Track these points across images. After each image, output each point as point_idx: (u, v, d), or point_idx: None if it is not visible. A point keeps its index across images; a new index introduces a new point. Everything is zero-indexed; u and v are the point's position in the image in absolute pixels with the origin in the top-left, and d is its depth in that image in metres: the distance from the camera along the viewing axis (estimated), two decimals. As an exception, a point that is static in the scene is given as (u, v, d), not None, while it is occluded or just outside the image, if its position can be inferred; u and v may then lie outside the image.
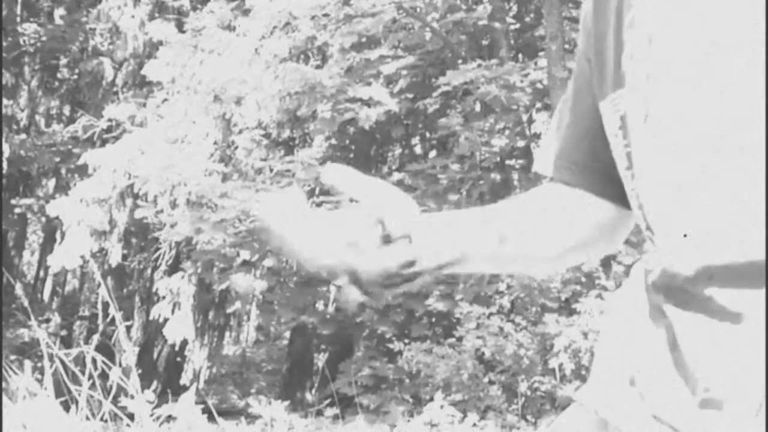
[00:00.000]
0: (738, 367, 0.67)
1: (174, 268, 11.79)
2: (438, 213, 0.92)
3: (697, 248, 0.70)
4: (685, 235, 0.72)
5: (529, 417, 8.09)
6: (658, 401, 0.75)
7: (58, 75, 15.54)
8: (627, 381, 0.79)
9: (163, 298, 11.11)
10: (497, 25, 10.43)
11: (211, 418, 4.86)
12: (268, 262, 10.59)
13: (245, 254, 10.45)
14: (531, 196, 0.97)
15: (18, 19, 14.08)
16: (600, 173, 0.89)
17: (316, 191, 10.85)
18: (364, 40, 10.49)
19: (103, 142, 12.13)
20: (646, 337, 0.78)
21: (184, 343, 11.35)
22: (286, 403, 6.15)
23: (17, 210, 14.39)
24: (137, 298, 14.08)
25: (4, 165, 13.36)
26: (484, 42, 11.56)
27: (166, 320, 10.89)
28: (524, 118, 10.57)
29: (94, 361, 3.95)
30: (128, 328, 8.78)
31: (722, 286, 0.68)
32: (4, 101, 13.72)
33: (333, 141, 12.39)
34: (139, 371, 4.10)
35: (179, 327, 10.85)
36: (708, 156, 0.70)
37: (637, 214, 0.81)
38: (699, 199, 0.70)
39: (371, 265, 0.79)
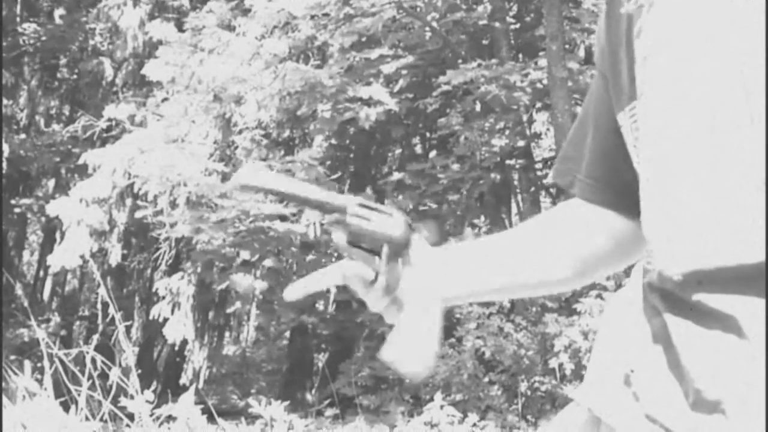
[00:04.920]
0: (730, 371, 0.67)
1: (174, 268, 11.79)
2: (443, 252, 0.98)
3: (686, 253, 0.71)
4: (672, 241, 0.72)
5: (529, 417, 8.09)
6: (651, 401, 0.75)
7: (58, 75, 15.54)
8: (622, 380, 0.79)
9: (163, 298, 11.10)
10: (497, 24, 10.43)
11: (210, 419, 4.86)
12: (268, 262, 10.58)
13: (245, 254, 10.45)
14: (548, 218, 1.01)
15: (18, 19, 14.08)
16: (621, 190, 0.90)
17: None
18: (364, 39, 10.48)
19: (103, 142, 12.13)
20: (642, 336, 0.78)
21: (184, 343, 11.35)
22: (286, 403, 6.13)
23: (17, 210, 14.39)
24: (137, 298, 14.09)
25: (4, 165, 13.36)
26: (485, 42, 11.56)
27: (165, 320, 10.89)
28: (524, 117, 10.57)
29: (93, 361, 3.94)
30: (128, 328, 8.76)
31: (711, 291, 0.68)
32: (4, 101, 13.72)
33: (333, 141, 12.39)
34: (139, 371, 4.10)
35: (179, 327, 10.84)
36: (693, 163, 0.70)
37: None
38: (687, 205, 0.71)
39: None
